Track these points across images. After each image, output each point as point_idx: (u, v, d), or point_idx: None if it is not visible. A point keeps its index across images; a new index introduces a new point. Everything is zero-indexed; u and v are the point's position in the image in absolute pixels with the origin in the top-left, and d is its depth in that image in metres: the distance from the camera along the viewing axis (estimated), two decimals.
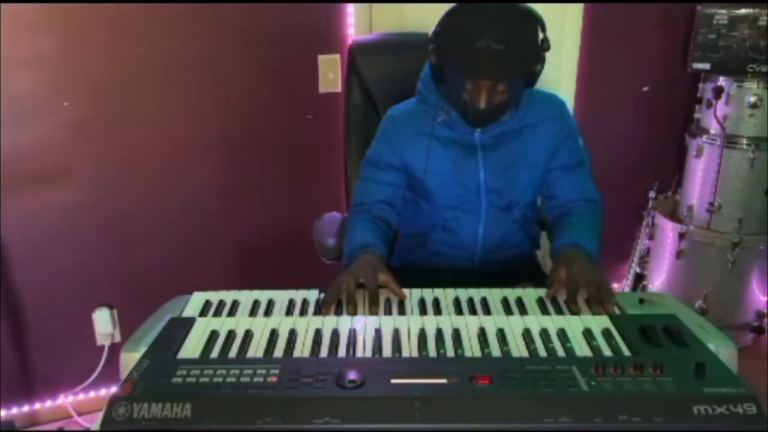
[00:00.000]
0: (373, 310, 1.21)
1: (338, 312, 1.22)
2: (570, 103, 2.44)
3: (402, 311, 1.22)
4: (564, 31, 2.47)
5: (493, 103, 1.34)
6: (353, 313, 1.20)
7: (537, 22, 1.33)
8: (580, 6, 2.46)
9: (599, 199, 1.56)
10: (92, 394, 2.29)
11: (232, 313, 1.22)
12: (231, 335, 1.09)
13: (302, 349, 1.05)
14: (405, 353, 1.04)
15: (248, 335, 1.09)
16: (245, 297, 1.27)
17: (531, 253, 1.69)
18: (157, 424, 0.86)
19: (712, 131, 2.46)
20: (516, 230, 1.58)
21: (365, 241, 1.40)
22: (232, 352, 1.04)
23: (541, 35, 1.34)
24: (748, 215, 2.44)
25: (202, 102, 2.16)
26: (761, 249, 2.50)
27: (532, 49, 1.34)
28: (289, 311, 1.23)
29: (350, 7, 2.20)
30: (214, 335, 1.08)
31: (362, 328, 1.11)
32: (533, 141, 1.49)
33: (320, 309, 1.22)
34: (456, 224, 1.54)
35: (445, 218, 1.54)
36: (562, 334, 1.08)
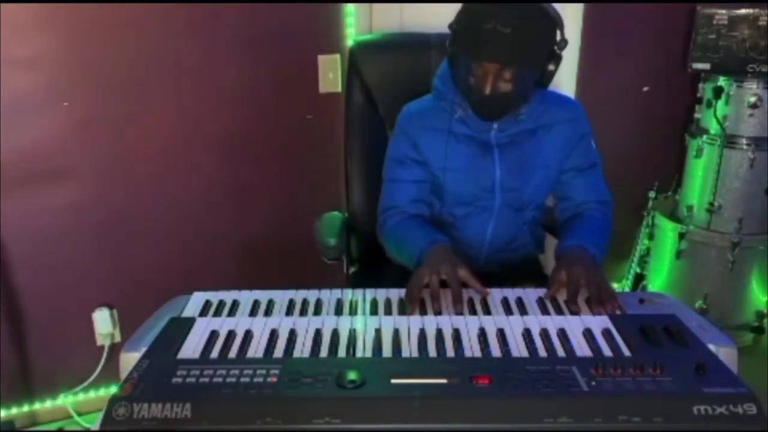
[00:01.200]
0: (457, 308, 1.19)
1: (338, 312, 1.22)
2: None
3: (402, 311, 1.22)
4: (564, 31, 2.46)
5: (497, 91, 1.33)
6: (439, 311, 1.19)
7: (551, 18, 1.33)
8: (580, 6, 2.46)
9: (611, 200, 1.57)
10: (92, 394, 2.29)
11: (232, 313, 1.22)
12: (231, 335, 1.09)
13: (302, 349, 1.05)
14: (405, 353, 1.04)
15: (248, 335, 1.08)
16: (245, 297, 1.27)
17: (534, 255, 1.70)
18: (157, 424, 0.86)
19: (712, 131, 2.46)
20: (524, 231, 1.59)
21: (433, 237, 1.38)
22: (232, 353, 1.04)
23: (558, 35, 1.35)
24: (748, 215, 2.44)
25: (202, 102, 2.16)
26: (761, 249, 2.50)
27: (542, 42, 1.34)
28: (289, 311, 1.22)
29: (350, 7, 2.20)
30: (214, 335, 1.08)
31: (362, 328, 1.11)
32: (548, 142, 1.49)
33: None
34: (465, 222, 1.54)
35: (456, 215, 1.54)
36: (562, 334, 1.08)
